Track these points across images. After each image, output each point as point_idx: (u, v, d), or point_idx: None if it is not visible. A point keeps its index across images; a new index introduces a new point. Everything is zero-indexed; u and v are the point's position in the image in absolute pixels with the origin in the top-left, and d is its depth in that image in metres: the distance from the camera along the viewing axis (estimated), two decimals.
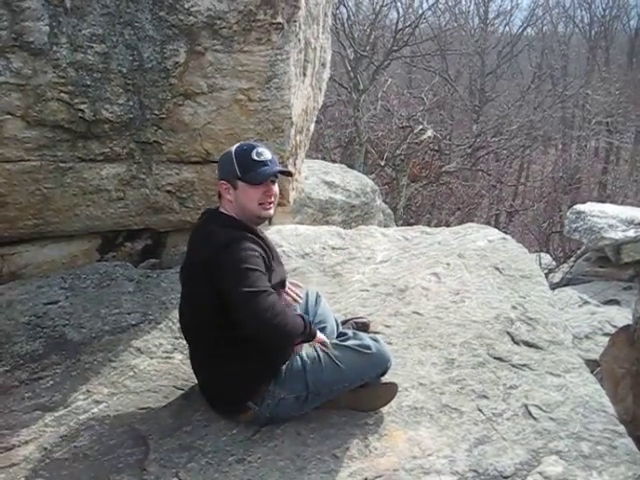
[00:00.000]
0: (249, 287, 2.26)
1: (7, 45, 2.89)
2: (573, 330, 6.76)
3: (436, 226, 9.34)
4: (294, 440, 2.47)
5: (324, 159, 11.91)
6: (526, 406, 2.67)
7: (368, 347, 2.55)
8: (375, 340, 2.61)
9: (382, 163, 14.02)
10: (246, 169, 2.44)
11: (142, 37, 3.18)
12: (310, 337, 2.44)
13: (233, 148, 2.50)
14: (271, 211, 2.55)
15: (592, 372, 4.87)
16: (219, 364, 2.47)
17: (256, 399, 2.48)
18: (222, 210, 2.53)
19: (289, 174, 2.67)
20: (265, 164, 2.46)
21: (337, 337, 2.73)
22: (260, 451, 2.41)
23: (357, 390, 2.59)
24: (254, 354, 2.41)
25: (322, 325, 2.79)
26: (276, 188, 2.54)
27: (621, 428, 2.60)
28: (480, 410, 2.64)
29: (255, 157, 2.45)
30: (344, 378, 2.51)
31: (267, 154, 2.48)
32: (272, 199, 2.52)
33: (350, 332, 2.70)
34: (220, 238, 2.38)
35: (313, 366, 2.49)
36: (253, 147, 2.49)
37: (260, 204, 2.48)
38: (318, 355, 2.50)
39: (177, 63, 3.27)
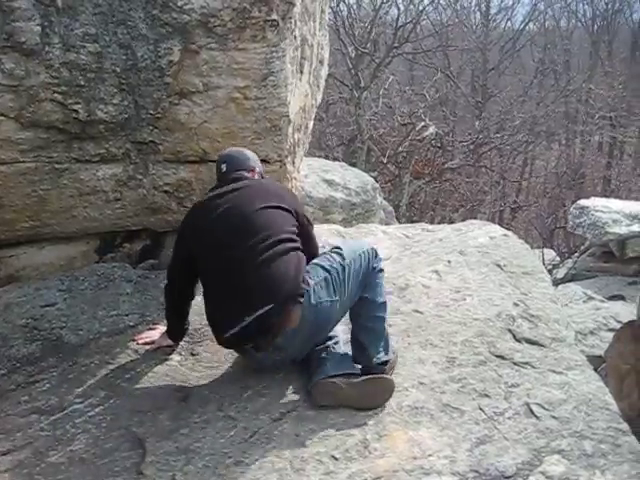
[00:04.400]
0: None
1: None
2: (577, 326, 6.72)
3: (439, 223, 9.31)
4: (292, 441, 2.44)
5: (327, 157, 11.87)
6: (528, 405, 2.63)
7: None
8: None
9: (384, 160, 13.97)
10: None
11: (135, 36, 3.15)
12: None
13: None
14: None
15: (597, 368, 4.85)
16: (289, 258, 2.72)
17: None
18: None
19: None
20: None
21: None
22: (258, 453, 2.38)
23: (355, 385, 2.62)
24: None
25: None
26: None
27: (625, 426, 2.56)
28: (481, 409, 2.61)
29: None
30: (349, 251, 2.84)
31: None
32: None
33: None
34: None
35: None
36: None
37: None
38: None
39: (171, 62, 3.24)
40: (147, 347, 3.04)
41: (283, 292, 2.61)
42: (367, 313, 2.81)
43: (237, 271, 2.67)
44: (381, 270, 2.90)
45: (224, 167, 3.02)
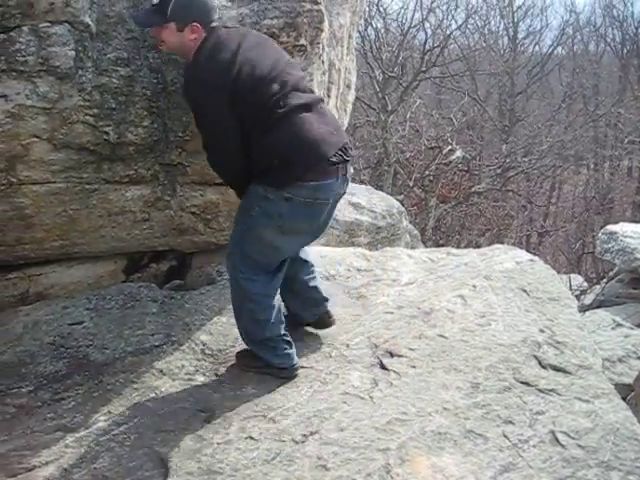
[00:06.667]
0: None
1: (34, 70, 2.93)
2: (606, 353, 6.60)
3: (466, 247, 9.26)
4: (314, 464, 2.43)
5: (353, 180, 11.89)
6: (553, 433, 2.59)
7: None
8: None
9: (411, 184, 13.99)
10: None
11: (166, 60, 3.21)
12: None
13: None
14: None
15: (626, 397, 4.75)
16: None
17: None
18: None
19: None
20: None
21: None
22: (280, 475, 2.38)
23: None
24: None
25: None
26: None
27: None
28: (506, 436, 2.58)
29: None
30: None
31: None
32: None
33: None
34: None
35: None
36: None
37: None
38: None
39: None
40: None
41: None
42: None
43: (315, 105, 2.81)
44: None
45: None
